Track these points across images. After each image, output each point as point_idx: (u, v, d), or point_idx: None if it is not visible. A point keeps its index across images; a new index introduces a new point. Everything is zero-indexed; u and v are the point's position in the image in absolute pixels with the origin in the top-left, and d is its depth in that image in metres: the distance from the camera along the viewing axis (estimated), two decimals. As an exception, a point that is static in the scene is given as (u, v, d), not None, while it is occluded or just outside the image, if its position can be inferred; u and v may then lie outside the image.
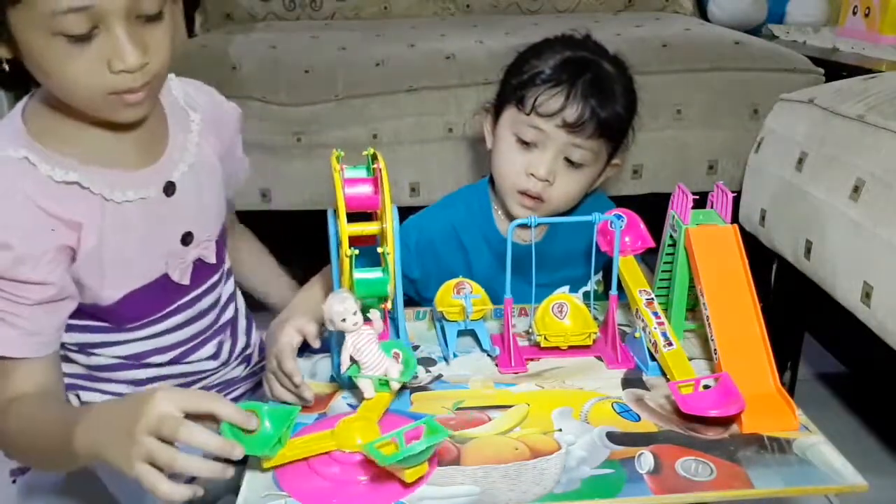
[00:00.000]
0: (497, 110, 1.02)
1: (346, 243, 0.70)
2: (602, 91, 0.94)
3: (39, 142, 0.73)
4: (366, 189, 0.73)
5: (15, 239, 0.69)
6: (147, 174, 0.78)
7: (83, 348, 0.82)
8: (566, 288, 1.04)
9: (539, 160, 0.95)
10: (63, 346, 0.80)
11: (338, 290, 0.72)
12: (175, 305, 0.84)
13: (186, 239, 0.82)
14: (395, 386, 0.70)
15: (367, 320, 0.70)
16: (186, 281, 0.83)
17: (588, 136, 0.94)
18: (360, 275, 0.71)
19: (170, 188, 0.80)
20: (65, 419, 0.68)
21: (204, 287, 0.86)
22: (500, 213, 1.05)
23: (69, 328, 0.79)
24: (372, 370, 0.69)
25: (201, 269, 0.85)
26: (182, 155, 0.82)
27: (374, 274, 0.72)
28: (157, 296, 0.82)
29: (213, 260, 0.86)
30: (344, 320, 0.68)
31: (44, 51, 0.66)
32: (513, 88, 0.98)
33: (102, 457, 0.63)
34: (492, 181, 1.05)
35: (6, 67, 0.69)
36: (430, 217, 1.06)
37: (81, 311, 0.78)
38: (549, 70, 0.95)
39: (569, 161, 0.96)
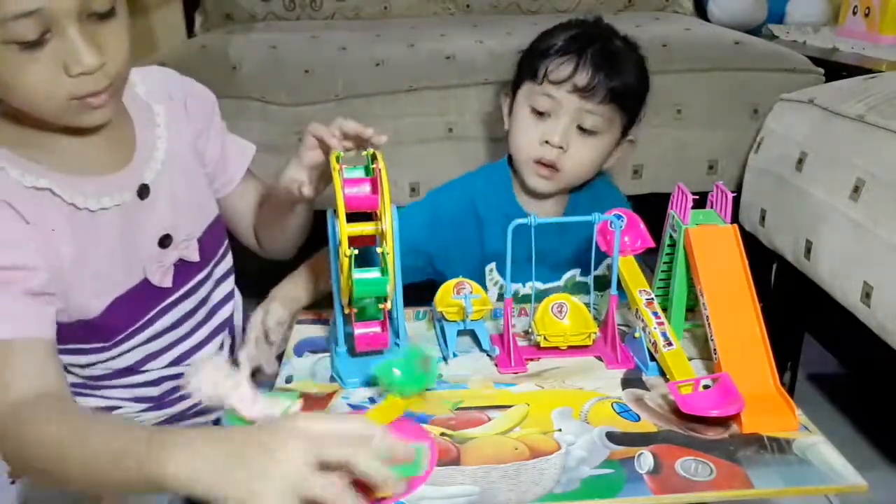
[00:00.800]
0: (514, 92, 1.06)
1: (345, 243, 0.70)
2: (611, 61, 0.99)
3: (7, 149, 0.71)
4: (365, 189, 0.72)
5: None
6: (120, 178, 0.76)
7: (74, 365, 0.81)
8: (577, 271, 1.06)
9: (553, 128, 1.00)
10: None
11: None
12: (158, 308, 0.82)
13: (164, 241, 0.80)
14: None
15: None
16: (168, 284, 0.82)
17: (599, 101, 0.98)
18: (358, 275, 0.71)
19: (143, 191, 0.78)
20: (132, 436, 0.60)
21: (187, 287, 0.85)
22: (519, 189, 1.07)
23: (59, 351, 0.77)
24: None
25: (183, 270, 0.84)
26: (152, 153, 0.80)
27: (372, 274, 0.72)
28: (140, 301, 0.80)
29: (195, 258, 0.84)
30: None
31: None
32: (527, 64, 1.04)
33: (209, 488, 0.55)
34: (510, 161, 1.08)
35: None
36: (449, 191, 1.10)
37: (69, 333, 0.76)
38: (560, 42, 1.01)
39: (582, 129, 1.00)
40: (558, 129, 0.99)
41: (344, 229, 0.70)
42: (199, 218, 0.86)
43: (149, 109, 0.82)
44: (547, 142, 0.99)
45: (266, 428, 0.57)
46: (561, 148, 0.99)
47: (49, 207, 0.71)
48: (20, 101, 0.68)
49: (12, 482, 0.86)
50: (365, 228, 0.72)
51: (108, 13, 0.67)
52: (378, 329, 0.78)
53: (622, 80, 0.99)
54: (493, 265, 1.06)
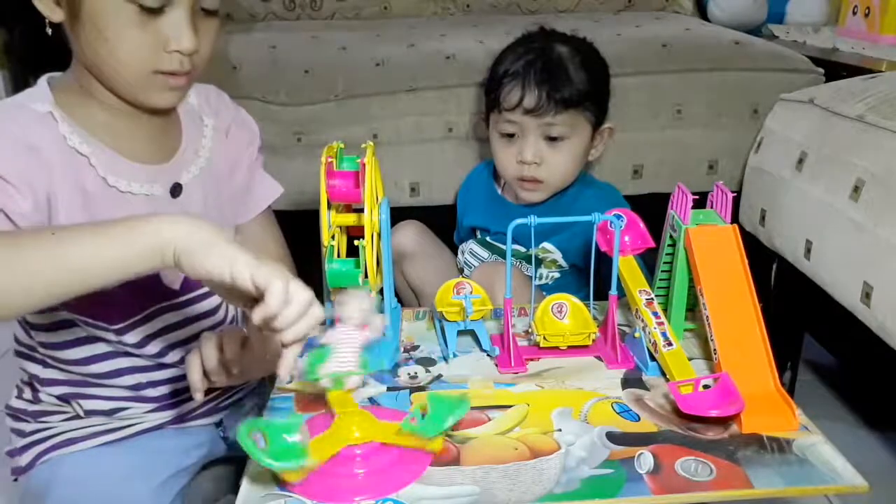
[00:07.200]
0: (487, 119, 1.18)
1: (325, 234, 0.73)
2: (554, 74, 1.08)
3: (65, 112, 0.74)
4: (350, 182, 0.74)
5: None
6: (155, 171, 0.79)
7: (80, 362, 0.81)
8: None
9: (522, 147, 1.11)
10: (59, 360, 0.80)
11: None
12: (162, 304, 0.82)
13: None
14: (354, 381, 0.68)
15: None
16: (176, 286, 0.83)
17: (554, 113, 1.07)
18: (333, 265, 0.74)
19: (176, 190, 0.80)
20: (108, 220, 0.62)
21: (197, 293, 0.85)
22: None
23: (66, 345, 0.79)
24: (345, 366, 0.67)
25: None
26: (193, 159, 0.83)
27: (346, 266, 0.74)
28: (146, 291, 0.80)
29: None
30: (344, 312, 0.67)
31: (111, 16, 0.68)
32: (488, 95, 1.16)
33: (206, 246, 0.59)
34: None
35: (49, 32, 0.71)
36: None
37: (80, 303, 0.75)
38: (506, 68, 1.11)
39: (550, 138, 1.10)
40: (528, 147, 1.10)
41: (325, 219, 0.73)
42: None
43: (200, 120, 0.86)
44: (521, 161, 1.10)
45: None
46: (536, 163, 1.10)
47: (80, 171, 0.73)
48: (108, 61, 0.71)
49: (15, 479, 0.86)
50: (347, 219, 0.76)
51: (213, 12, 0.74)
52: None
53: (570, 87, 1.08)
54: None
